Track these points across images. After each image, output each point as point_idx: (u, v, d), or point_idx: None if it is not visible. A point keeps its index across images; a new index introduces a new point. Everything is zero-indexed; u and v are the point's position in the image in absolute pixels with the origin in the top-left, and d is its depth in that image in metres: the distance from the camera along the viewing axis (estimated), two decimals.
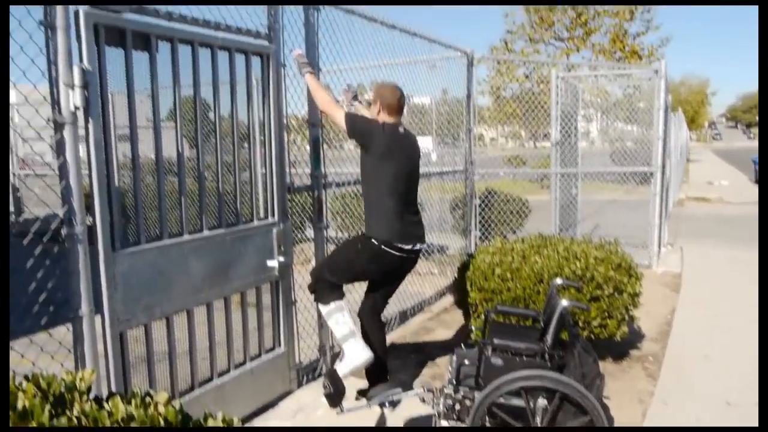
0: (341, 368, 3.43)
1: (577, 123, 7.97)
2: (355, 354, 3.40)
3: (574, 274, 3.94)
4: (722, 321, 5.31)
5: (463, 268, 4.41)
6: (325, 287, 3.48)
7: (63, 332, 2.56)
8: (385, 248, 3.38)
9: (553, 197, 7.68)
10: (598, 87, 8.93)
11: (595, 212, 8.80)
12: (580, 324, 3.94)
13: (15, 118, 10.57)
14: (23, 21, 2.22)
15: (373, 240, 3.39)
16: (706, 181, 21.08)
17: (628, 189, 8.73)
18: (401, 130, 3.53)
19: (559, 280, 3.36)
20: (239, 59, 3.17)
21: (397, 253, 3.41)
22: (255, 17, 3.28)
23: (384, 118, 3.48)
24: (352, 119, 3.40)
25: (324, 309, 3.49)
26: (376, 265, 3.46)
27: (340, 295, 3.51)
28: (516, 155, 12.46)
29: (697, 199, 15.80)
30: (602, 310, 3.97)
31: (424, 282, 6.13)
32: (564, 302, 2.87)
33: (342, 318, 3.44)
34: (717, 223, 11.47)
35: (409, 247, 3.45)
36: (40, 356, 2.61)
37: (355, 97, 4.00)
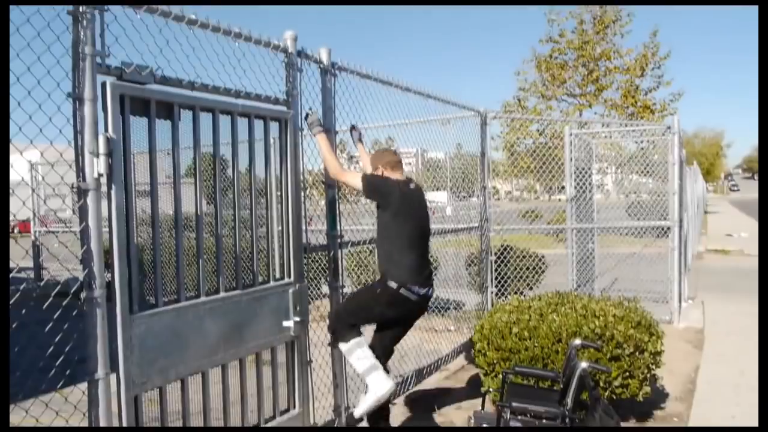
0: (366, 401, 3.56)
1: (592, 178, 8.00)
2: (380, 384, 3.53)
3: (593, 332, 3.88)
4: (748, 378, 5.16)
5: (480, 327, 4.37)
6: (345, 327, 3.64)
7: (77, 393, 2.56)
8: (403, 292, 3.55)
9: (569, 252, 7.63)
10: (612, 142, 9.00)
11: (614, 266, 8.71)
12: (601, 384, 3.85)
13: (38, 177, 10.86)
14: (52, 94, 2.32)
15: (391, 283, 3.54)
16: (725, 233, 20.84)
17: (646, 242, 8.67)
18: (412, 186, 3.78)
19: (578, 341, 3.31)
20: (258, 124, 3.26)
21: (413, 297, 3.58)
22: (274, 84, 3.39)
23: (390, 174, 3.73)
24: (369, 181, 3.64)
25: (344, 347, 3.62)
26: (393, 309, 3.62)
27: (359, 333, 3.65)
28: (531, 209, 12.44)
29: (716, 251, 15.59)
30: (623, 370, 3.89)
31: (440, 339, 6.06)
32: (583, 364, 2.82)
33: (363, 353, 3.59)
34: (738, 276, 11.28)
35: (424, 291, 3.64)
36: (54, 419, 2.61)
37: (360, 139, 4.25)
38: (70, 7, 2.37)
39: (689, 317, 7.69)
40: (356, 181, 3.63)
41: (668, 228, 7.42)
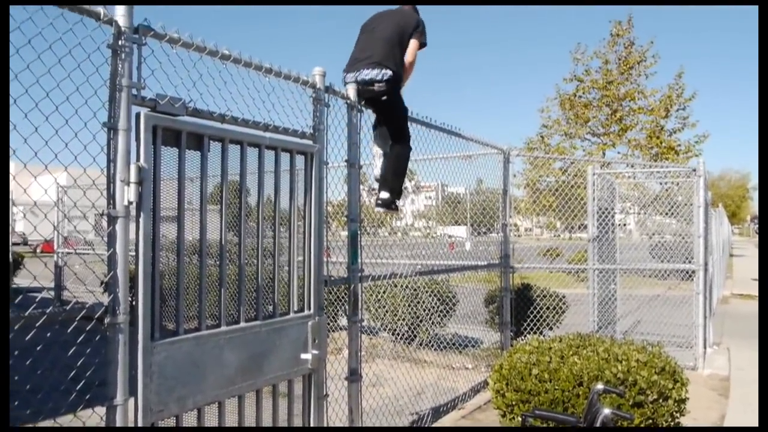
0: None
1: (615, 218, 7.92)
2: None
3: (616, 377, 3.80)
4: None
5: (499, 366, 4.30)
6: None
7: (95, 417, 2.57)
8: None
9: (591, 293, 7.53)
10: (636, 183, 8.94)
11: (636, 308, 8.56)
12: None
13: (65, 199, 11.07)
14: (89, 123, 2.40)
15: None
16: (751, 277, 20.36)
17: (670, 284, 8.52)
18: None
19: (600, 386, 3.23)
20: (284, 156, 3.31)
21: None
22: (301, 119, 3.46)
23: None
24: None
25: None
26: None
27: None
28: (552, 247, 12.34)
29: (742, 296, 15.24)
30: (646, 417, 3.79)
31: (457, 377, 5.97)
32: (606, 410, 2.76)
33: None
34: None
35: None
36: None
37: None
38: (110, 41, 2.46)
39: (714, 364, 7.49)
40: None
41: (693, 271, 7.29)
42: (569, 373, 3.87)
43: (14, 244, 15.30)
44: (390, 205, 4.42)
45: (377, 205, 4.45)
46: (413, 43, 4.21)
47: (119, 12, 2.48)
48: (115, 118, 2.46)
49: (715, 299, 11.24)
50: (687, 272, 7.46)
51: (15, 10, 2.20)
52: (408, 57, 4.23)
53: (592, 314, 7.46)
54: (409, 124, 4.58)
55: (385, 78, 4.03)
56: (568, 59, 19.40)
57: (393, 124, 4.40)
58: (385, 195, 4.42)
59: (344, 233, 4.13)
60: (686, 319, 7.45)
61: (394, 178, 4.42)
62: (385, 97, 4.10)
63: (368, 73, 4.04)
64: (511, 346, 6.12)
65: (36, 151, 2.28)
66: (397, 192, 4.47)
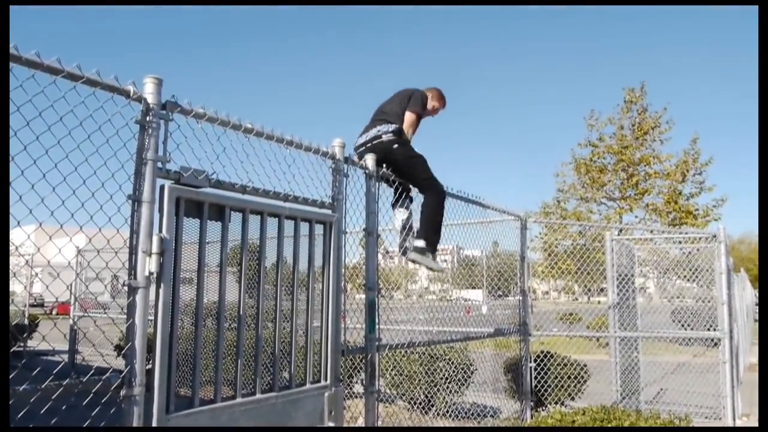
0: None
1: (635, 284, 7.80)
2: None
3: None
4: None
5: None
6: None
7: None
8: None
9: (613, 361, 7.32)
10: (655, 248, 8.86)
11: (661, 377, 8.29)
12: None
13: (82, 262, 11.12)
14: (115, 196, 2.46)
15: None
16: None
17: (695, 351, 8.28)
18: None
19: None
20: (303, 225, 3.34)
21: None
22: (321, 189, 3.51)
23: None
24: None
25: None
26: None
27: None
28: (571, 311, 12.12)
29: None
30: None
31: None
32: None
33: None
34: None
35: None
36: None
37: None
38: (139, 117, 2.55)
39: None
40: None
41: (718, 340, 7.09)
42: None
43: (32, 305, 15.37)
44: (424, 253, 4.37)
45: (411, 250, 4.42)
46: (407, 114, 4.58)
47: (148, 89, 2.58)
48: (140, 190, 2.52)
49: (742, 367, 10.86)
50: (711, 339, 7.25)
51: (50, 90, 2.30)
52: (405, 124, 4.55)
53: (614, 383, 7.24)
54: None
55: (391, 129, 4.36)
56: (583, 124, 19.64)
57: (415, 172, 4.47)
58: (420, 243, 4.40)
59: (359, 296, 4.12)
60: (713, 388, 7.19)
61: (428, 227, 4.44)
62: (396, 146, 4.34)
63: (374, 131, 4.39)
64: (532, 417, 5.94)
65: (62, 224, 2.33)
66: (431, 243, 4.44)
